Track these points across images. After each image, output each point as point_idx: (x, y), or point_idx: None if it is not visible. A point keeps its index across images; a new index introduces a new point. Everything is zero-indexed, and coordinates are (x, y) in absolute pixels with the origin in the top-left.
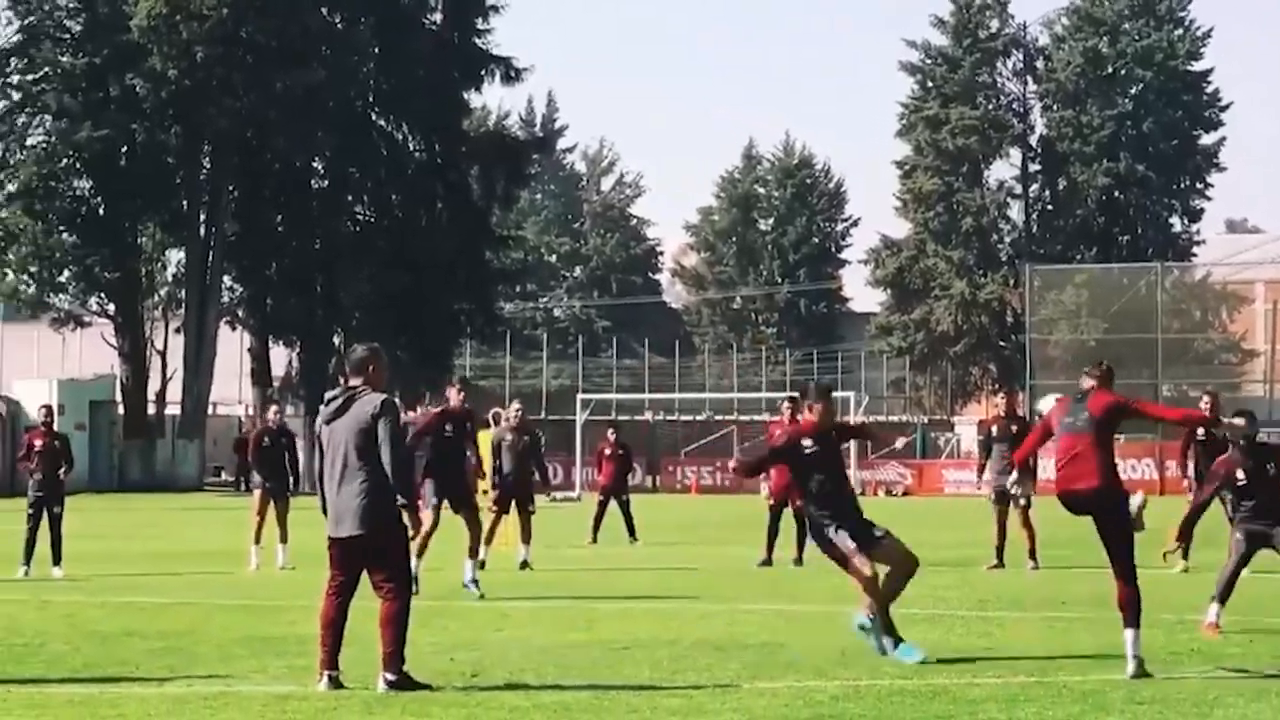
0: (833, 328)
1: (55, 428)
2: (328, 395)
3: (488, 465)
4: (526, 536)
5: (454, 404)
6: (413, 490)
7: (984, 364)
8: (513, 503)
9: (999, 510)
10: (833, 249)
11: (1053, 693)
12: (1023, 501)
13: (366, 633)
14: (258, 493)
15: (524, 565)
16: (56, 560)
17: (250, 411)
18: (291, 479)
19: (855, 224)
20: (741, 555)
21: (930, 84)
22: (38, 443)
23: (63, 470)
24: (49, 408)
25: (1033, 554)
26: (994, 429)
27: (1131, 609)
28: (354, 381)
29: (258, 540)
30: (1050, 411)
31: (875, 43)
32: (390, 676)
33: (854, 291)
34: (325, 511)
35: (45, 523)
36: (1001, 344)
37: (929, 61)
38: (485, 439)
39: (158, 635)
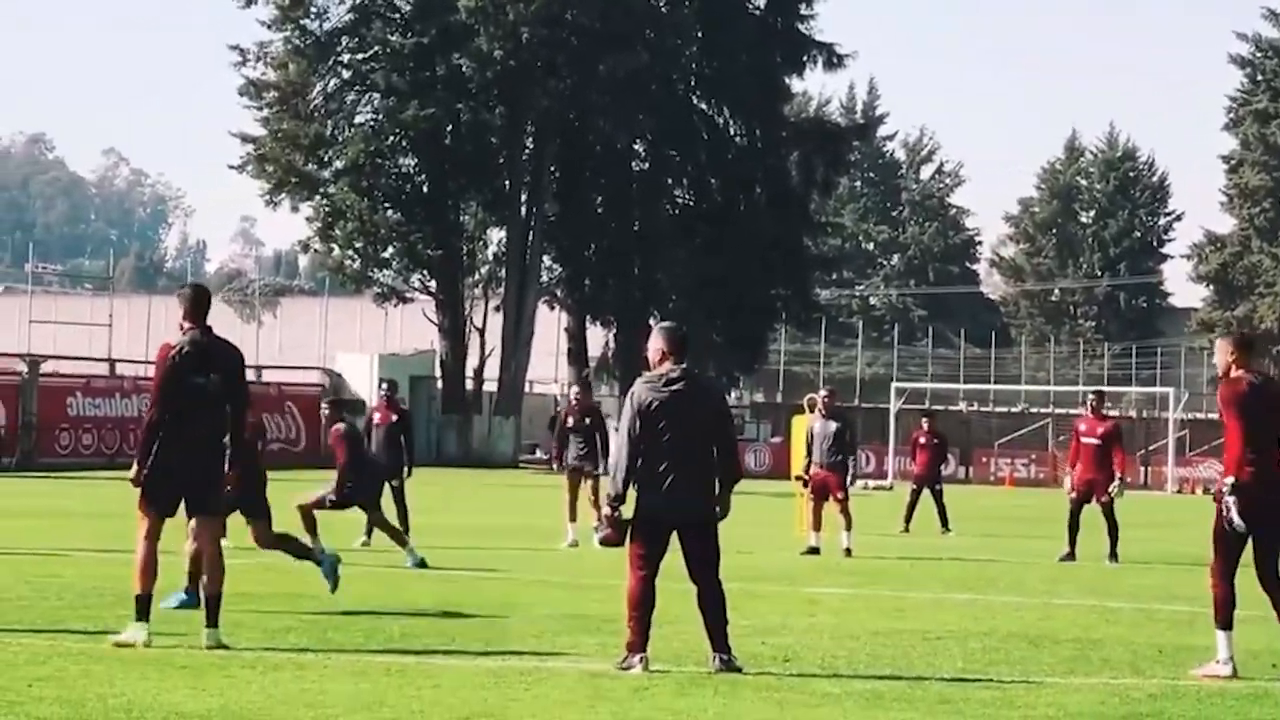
0: (1153, 322)
1: (400, 403)
2: (661, 374)
3: (800, 453)
4: (848, 523)
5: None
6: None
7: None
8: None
9: None
10: (1154, 243)
11: None
12: None
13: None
14: (568, 471)
15: (847, 552)
16: (405, 531)
17: (565, 390)
18: (602, 459)
19: (1178, 218)
20: (1055, 550)
21: (1260, 77)
22: (377, 416)
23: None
24: (393, 382)
25: None
26: None
27: None
28: (682, 361)
29: (573, 518)
30: None
31: (1204, 35)
32: (725, 656)
33: (1175, 286)
34: (625, 486)
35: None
36: None
37: (1259, 55)
38: (799, 426)
39: (474, 608)
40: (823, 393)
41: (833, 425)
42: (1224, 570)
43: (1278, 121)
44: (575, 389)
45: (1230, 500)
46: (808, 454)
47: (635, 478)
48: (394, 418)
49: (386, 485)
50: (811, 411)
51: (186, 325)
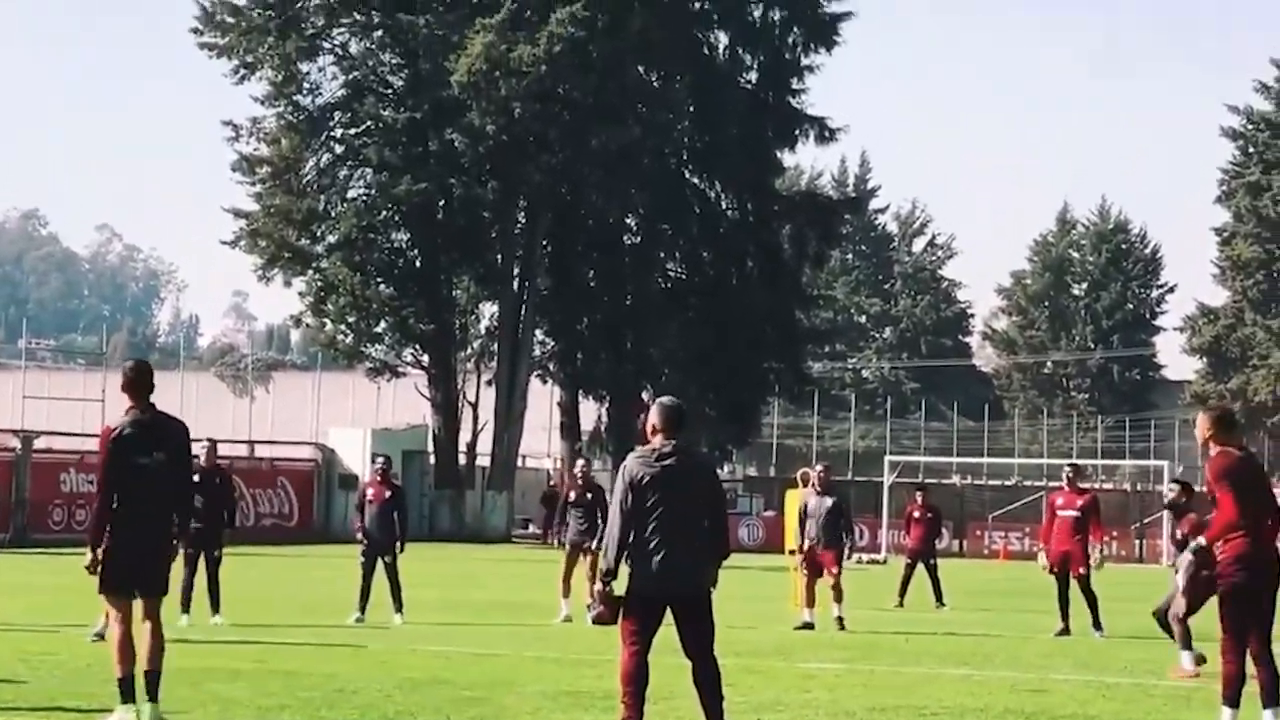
0: (1146, 395)
1: (392, 478)
2: (653, 448)
3: (793, 527)
4: (838, 596)
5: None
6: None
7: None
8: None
9: None
10: (1147, 315)
11: None
12: None
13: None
14: (568, 546)
15: (839, 621)
16: (398, 608)
17: (558, 465)
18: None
19: (1171, 290)
20: (1050, 624)
21: (1252, 150)
22: (371, 492)
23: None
24: (387, 457)
25: None
26: None
27: None
28: (675, 436)
29: (566, 593)
30: None
31: (1196, 107)
32: None
33: (1168, 359)
34: (617, 562)
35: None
36: None
37: (1251, 127)
38: (793, 500)
39: (467, 685)
40: (818, 468)
41: (828, 501)
42: (1235, 648)
43: (1270, 194)
44: (580, 463)
45: (1190, 558)
46: (801, 529)
47: (628, 553)
48: (388, 494)
49: (379, 560)
50: (805, 486)
51: (128, 404)
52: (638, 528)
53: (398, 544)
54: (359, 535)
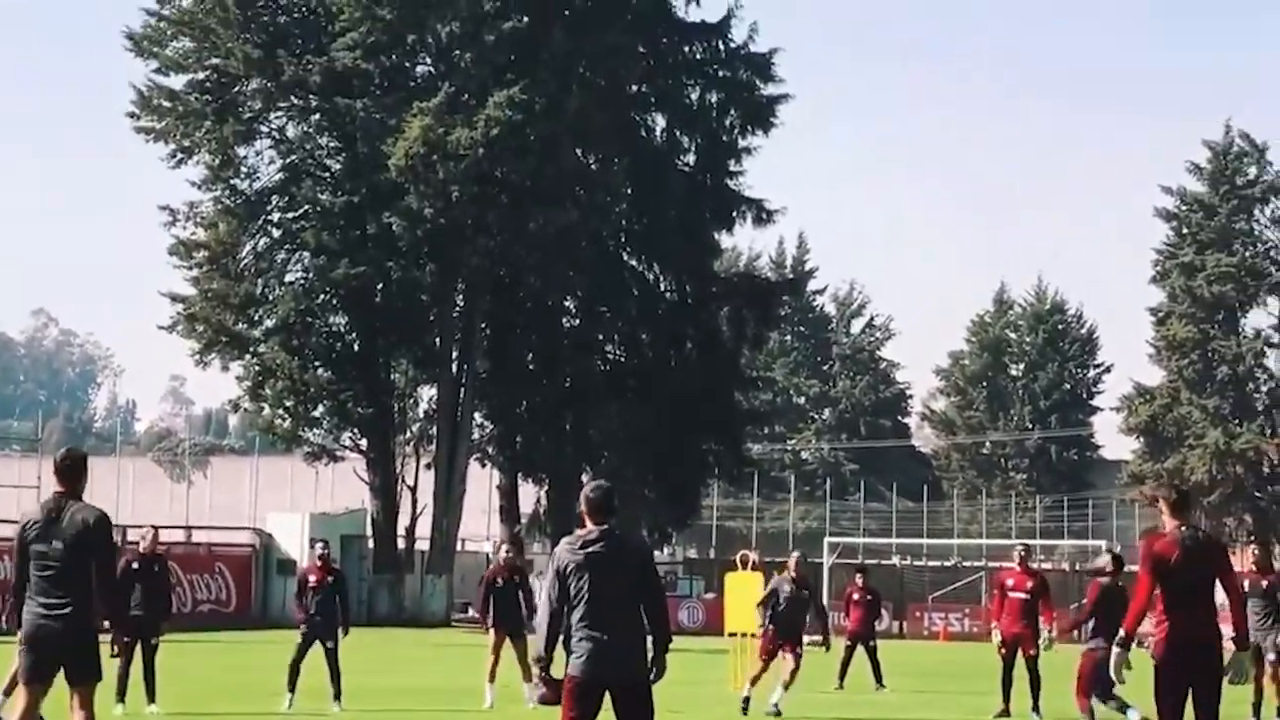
0: (1084, 475)
1: (332, 563)
2: (580, 535)
3: (742, 608)
4: (789, 684)
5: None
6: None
7: (1239, 515)
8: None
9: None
10: (1084, 395)
11: None
12: (1271, 656)
13: None
14: (493, 633)
15: (775, 709)
16: (337, 695)
17: (498, 548)
18: (526, 617)
19: (1107, 370)
20: (989, 705)
21: (1186, 230)
22: (313, 578)
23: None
24: (325, 542)
25: None
26: (1247, 583)
27: None
28: (605, 521)
29: (492, 679)
30: None
31: (1130, 189)
32: None
33: (1106, 439)
34: (548, 648)
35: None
36: (1257, 494)
37: (1185, 208)
38: (734, 583)
39: None
40: (795, 555)
41: (804, 593)
42: None
43: (1204, 274)
44: (505, 548)
45: (1117, 652)
46: (768, 613)
47: (564, 639)
48: (329, 579)
49: (321, 645)
50: (745, 568)
51: (56, 490)
52: (572, 614)
53: (340, 630)
54: (301, 622)
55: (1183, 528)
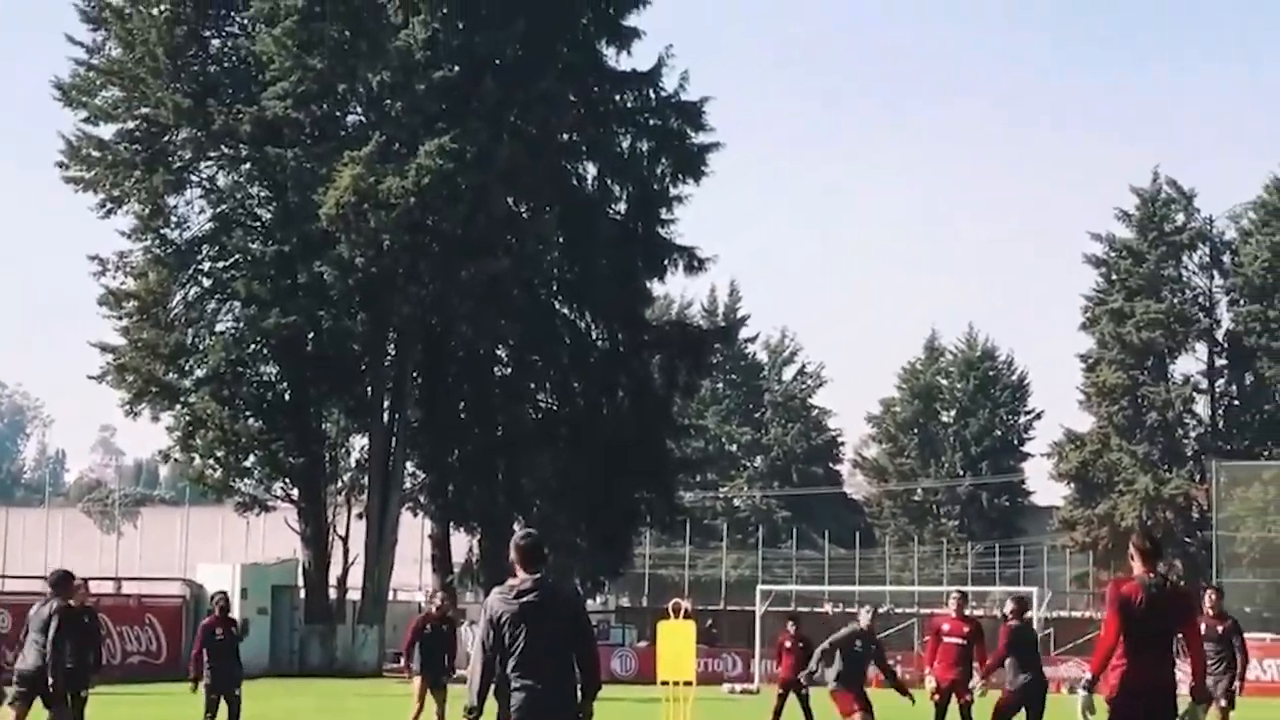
0: (1015, 521)
1: (231, 613)
2: (512, 585)
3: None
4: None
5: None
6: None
7: (1169, 560)
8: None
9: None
10: (1015, 442)
11: None
12: (1222, 702)
13: None
14: (418, 679)
15: None
16: None
17: (430, 597)
18: (449, 667)
19: (1038, 417)
20: None
21: (1115, 277)
22: (219, 630)
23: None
24: (223, 593)
25: None
26: (1203, 627)
27: None
28: (536, 570)
29: None
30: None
31: (1058, 236)
32: None
33: (1037, 485)
34: (480, 699)
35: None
36: (1187, 540)
37: (1114, 255)
38: (665, 631)
39: None
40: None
41: (871, 648)
42: None
43: (1133, 320)
44: (439, 595)
45: (1083, 695)
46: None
47: (496, 689)
48: (233, 629)
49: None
50: (678, 616)
51: None
52: (505, 664)
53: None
54: (206, 675)
55: (1150, 574)
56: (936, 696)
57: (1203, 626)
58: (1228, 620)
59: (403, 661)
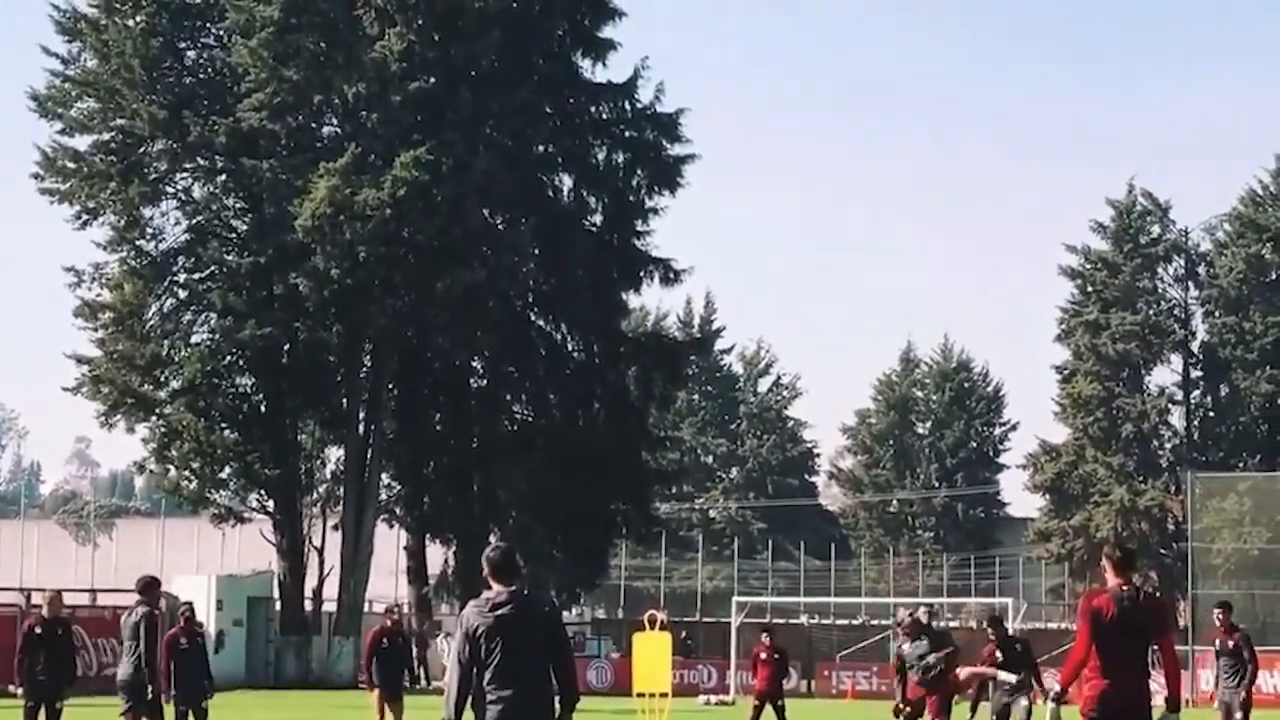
0: (990, 532)
1: (197, 624)
2: (488, 597)
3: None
4: None
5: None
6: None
7: (1144, 571)
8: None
9: None
10: (991, 453)
11: None
12: (1238, 715)
13: None
14: (376, 692)
15: None
16: None
17: (405, 610)
18: (407, 679)
19: (1014, 428)
20: None
21: (1090, 289)
22: (184, 640)
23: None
24: (189, 604)
25: None
26: (1216, 643)
27: None
28: (510, 582)
29: None
30: None
31: (1034, 247)
32: None
33: (1012, 496)
34: (457, 711)
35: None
36: (1163, 551)
37: (1089, 266)
38: (641, 643)
39: None
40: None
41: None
42: None
43: (1109, 332)
44: (397, 609)
45: (1052, 707)
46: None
47: (474, 701)
48: (199, 639)
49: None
50: (653, 628)
51: None
52: (481, 676)
53: (210, 691)
54: (171, 687)
55: (1124, 586)
56: (907, 709)
57: (1215, 642)
58: (1238, 633)
59: (363, 675)
